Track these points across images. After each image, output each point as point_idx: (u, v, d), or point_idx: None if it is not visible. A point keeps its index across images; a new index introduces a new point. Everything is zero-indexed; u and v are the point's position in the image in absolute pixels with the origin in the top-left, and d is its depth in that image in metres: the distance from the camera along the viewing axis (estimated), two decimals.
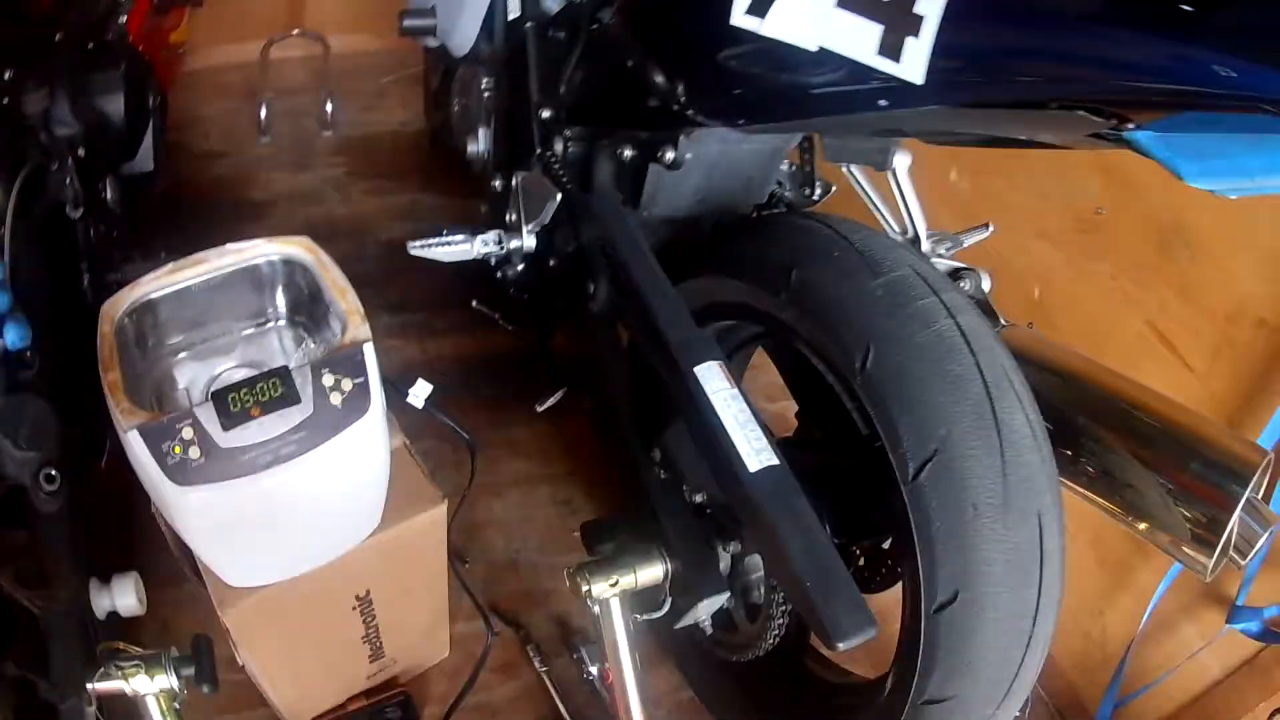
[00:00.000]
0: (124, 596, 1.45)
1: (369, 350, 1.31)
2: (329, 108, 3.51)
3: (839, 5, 1.16)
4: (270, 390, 1.24)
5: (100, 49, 2.07)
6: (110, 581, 1.46)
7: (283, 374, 1.25)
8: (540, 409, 2.00)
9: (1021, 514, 1.20)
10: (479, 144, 2.30)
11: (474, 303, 2.13)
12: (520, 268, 1.93)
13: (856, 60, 1.16)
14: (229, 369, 1.59)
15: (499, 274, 2.02)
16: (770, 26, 1.24)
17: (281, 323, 1.61)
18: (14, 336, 1.12)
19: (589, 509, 2.13)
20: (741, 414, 1.34)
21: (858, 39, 1.15)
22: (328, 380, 1.27)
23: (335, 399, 1.26)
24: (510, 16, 2.07)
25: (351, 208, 3.13)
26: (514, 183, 1.85)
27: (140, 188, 2.33)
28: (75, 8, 1.86)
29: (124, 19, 2.16)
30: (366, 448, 1.33)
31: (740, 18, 1.27)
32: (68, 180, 1.64)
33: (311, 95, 3.76)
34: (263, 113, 3.50)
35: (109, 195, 1.92)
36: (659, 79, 1.51)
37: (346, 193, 3.21)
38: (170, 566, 1.77)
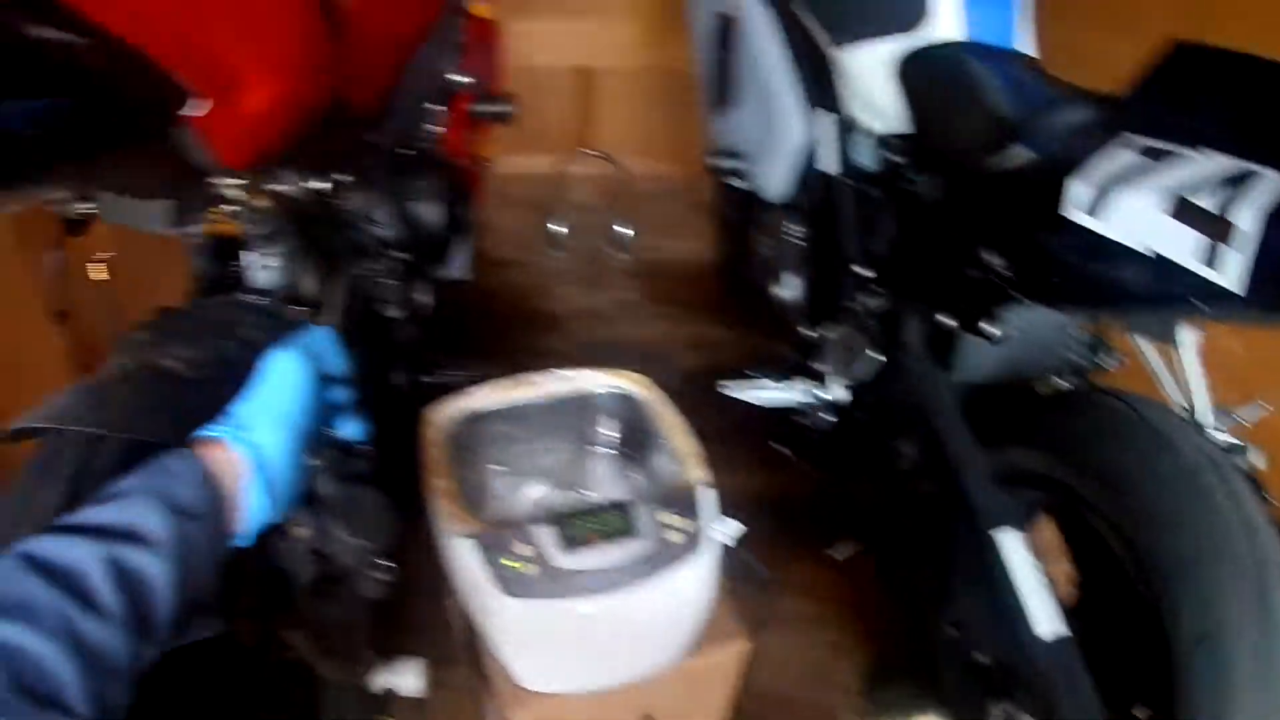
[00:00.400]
0: (408, 678, 1.56)
1: (707, 494, 1.37)
2: (621, 229, 3.60)
3: (1168, 213, 1.20)
4: (612, 521, 1.32)
5: (418, 156, 2.18)
6: (394, 660, 1.55)
7: (625, 507, 1.33)
8: (835, 556, 2.03)
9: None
10: (787, 290, 2.34)
11: (771, 442, 2.18)
12: (824, 416, 1.97)
13: (1178, 263, 1.21)
14: (546, 490, 1.68)
15: (799, 418, 2.07)
16: (1104, 225, 1.28)
17: (605, 450, 1.69)
18: (355, 430, 1.18)
19: (859, 654, 2.12)
20: (1035, 581, 1.38)
21: (1182, 245, 1.19)
22: (666, 518, 1.34)
23: (672, 536, 1.33)
24: (826, 169, 2.13)
25: (643, 333, 3.21)
26: (826, 335, 1.90)
27: (451, 294, 2.43)
28: (395, 115, 1.95)
29: (440, 129, 2.26)
30: (694, 585, 1.39)
31: (1074, 212, 1.32)
32: (388, 281, 1.73)
33: (603, 214, 3.87)
34: (556, 227, 3.62)
35: (423, 299, 2.00)
36: (981, 254, 1.55)
37: (638, 317, 3.30)
38: (444, 655, 1.87)
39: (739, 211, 3.00)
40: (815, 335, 2.13)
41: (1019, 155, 1.53)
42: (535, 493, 1.67)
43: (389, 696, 1.60)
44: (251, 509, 0.95)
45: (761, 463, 2.32)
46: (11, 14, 0.74)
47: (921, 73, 1.86)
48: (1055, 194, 1.35)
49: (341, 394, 1.16)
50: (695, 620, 1.50)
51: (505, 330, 3.18)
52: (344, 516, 1.10)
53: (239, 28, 1.05)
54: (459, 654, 1.72)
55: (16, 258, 1.76)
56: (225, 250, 1.83)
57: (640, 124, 4.17)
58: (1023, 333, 1.64)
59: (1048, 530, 1.68)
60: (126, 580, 0.77)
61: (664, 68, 4.02)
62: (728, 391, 1.88)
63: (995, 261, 1.52)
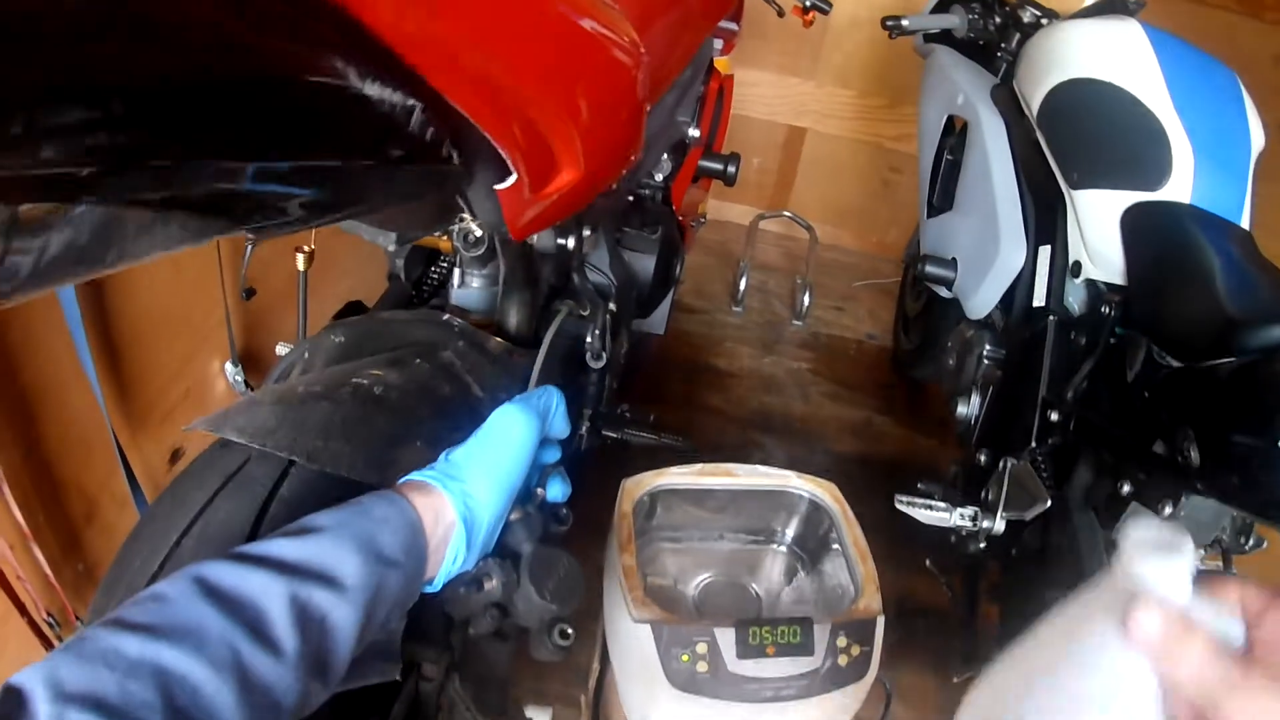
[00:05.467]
0: None
1: (880, 624, 1.39)
2: (804, 299, 3.64)
3: None
4: (790, 635, 1.34)
5: (641, 205, 2.17)
6: (525, 709, 1.53)
7: (805, 624, 1.35)
8: (956, 681, 2.03)
9: None
10: (968, 408, 2.35)
11: (927, 562, 2.17)
12: (980, 545, 1.98)
13: None
14: (715, 576, 1.70)
15: (953, 538, 2.08)
16: None
17: (780, 548, 1.72)
18: (557, 491, 1.15)
19: None
20: None
21: None
22: (841, 641, 1.37)
23: (842, 660, 1.36)
24: (1035, 303, 2.13)
25: (808, 408, 3.21)
26: (1002, 466, 1.90)
27: (644, 347, 2.41)
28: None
29: (666, 178, 2.25)
30: (851, 705, 1.42)
31: None
32: (595, 331, 1.68)
33: (784, 277, 3.91)
34: (741, 284, 3.67)
35: (621, 346, 1.96)
36: (1176, 436, 1.55)
37: (805, 390, 3.29)
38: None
39: (929, 313, 3.00)
40: (985, 461, 2.14)
41: (1238, 361, 1.53)
42: (704, 576, 1.69)
43: None
44: (450, 560, 0.94)
45: (905, 570, 2.31)
46: (345, 68, 0.73)
47: (1145, 229, 1.86)
48: (1268, 409, 1.36)
49: (555, 454, 1.17)
50: None
51: (674, 378, 3.21)
52: (536, 577, 1.08)
53: (572, 115, 1.07)
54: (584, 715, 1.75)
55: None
56: (426, 256, 1.84)
57: (836, 192, 4.19)
58: (1185, 508, 1.64)
59: None
60: (308, 621, 0.76)
61: (869, 141, 4.04)
62: (901, 506, 1.88)
63: (1189, 450, 1.51)
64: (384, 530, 0.84)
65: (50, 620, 1.56)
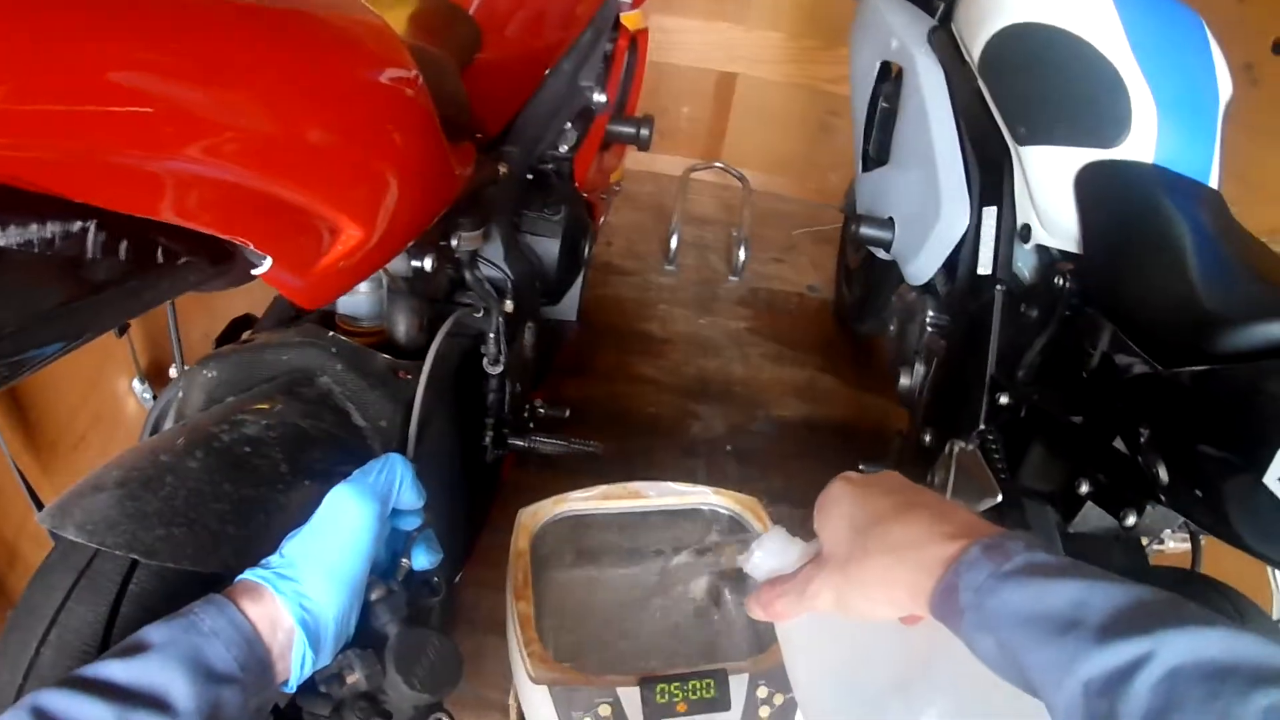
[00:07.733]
0: None
1: None
2: (740, 253, 3.49)
3: None
4: (703, 690, 1.23)
5: (543, 185, 2.01)
6: None
7: (719, 677, 1.23)
8: None
9: None
10: (911, 380, 2.18)
11: None
12: None
13: None
14: (625, 607, 1.54)
15: None
16: None
17: (702, 563, 1.57)
18: (424, 559, 1.06)
19: None
20: None
21: None
22: (761, 692, 1.26)
23: (764, 712, 1.25)
24: (980, 270, 1.94)
25: (748, 370, 3.06)
26: (948, 450, 1.75)
27: (556, 335, 2.25)
28: (524, 134, 1.78)
29: (569, 150, 2.08)
30: None
31: (1274, 482, 1.16)
32: (491, 335, 1.55)
33: (720, 230, 3.76)
34: (673, 242, 3.51)
35: (525, 341, 1.83)
36: (1143, 444, 1.39)
37: (744, 352, 3.14)
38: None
39: (870, 268, 2.83)
40: (930, 442, 1.99)
41: (1216, 369, 1.34)
42: (618, 607, 1.53)
43: None
44: (298, 665, 0.87)
45: None
46: None
47: (1102, 192, 1.67)
48: (1252, 436, 1.19)
49: (415, 521, 1.06)
50: None
51: (604, 348, 3.04)
52: (403, 664, 0.96)
53: (335, 179, 0.93)
54: None
55: None
56: None
57: (772, 138, 4.04)
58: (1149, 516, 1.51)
59: None
60: None
61: (804, 85, 3.90)
62: None
63: (1155, 463, 1.35)
64: (214, 645, 0.80)
65: None
